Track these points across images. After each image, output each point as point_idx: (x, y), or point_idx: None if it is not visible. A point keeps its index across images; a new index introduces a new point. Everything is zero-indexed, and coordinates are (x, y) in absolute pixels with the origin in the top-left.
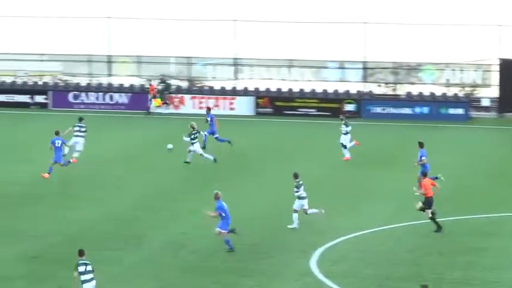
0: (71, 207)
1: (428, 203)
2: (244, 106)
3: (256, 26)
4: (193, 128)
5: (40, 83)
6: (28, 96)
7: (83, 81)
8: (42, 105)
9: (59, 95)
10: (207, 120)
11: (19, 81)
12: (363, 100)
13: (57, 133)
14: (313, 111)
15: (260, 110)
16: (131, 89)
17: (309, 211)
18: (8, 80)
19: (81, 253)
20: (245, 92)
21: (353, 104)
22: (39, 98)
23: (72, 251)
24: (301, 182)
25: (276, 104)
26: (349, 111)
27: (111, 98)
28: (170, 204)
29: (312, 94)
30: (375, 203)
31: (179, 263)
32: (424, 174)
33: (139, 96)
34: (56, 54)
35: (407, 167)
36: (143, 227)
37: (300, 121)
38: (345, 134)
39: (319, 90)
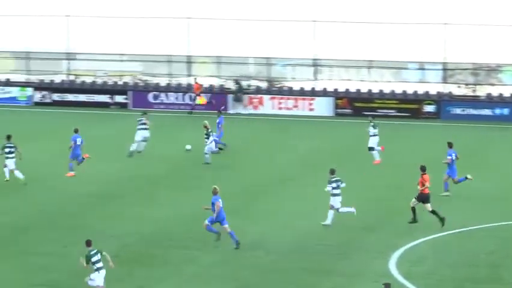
0: (148, 207)
1: (421, 198)
2: (323, 107)
3: (336, 26)
4: (207, 128)
5: (120, 83)
6: (108, 96)
7: (163, 82)
8: (122, 105)
9: (138, 95)
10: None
11: (99, 81)
12: (443, 101)
13: (76, 131)
14: (392, 112)
15: (339, 110)
16: (210, 89)
17: (341, 209)
18: (88, 80)
19: (88, 243)
20: (324, 93)
21: (433, 105)
22: (119, 98)
23: (149, 251)
24: (336, 179)
25: (355, 105)
26: (428, 112)
27: (190, 98)
28: (249, 204)
29: (391, 95)
30: (454, 204)
31: (256, 263)
32: (423, 170)
33: (218, 96)
34: (136, 55)
35: (485, 168)
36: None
37: (380, 122)
38: (372, 136)
39: (398, 91)
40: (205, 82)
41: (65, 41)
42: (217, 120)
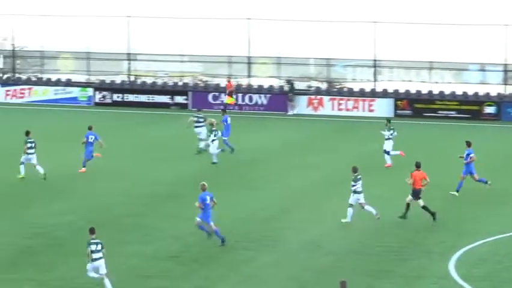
0: None
1: (415, 194)
2: (383, 108)
3: (397, 27)
4: (212, 125)
5: (180, 83)
6: (168, 96)
7: (223, 82)
8: (182, 106)
9: (198, 95)
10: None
11: (159, 81)
12: (504, 103)
13: (90, 128)
14: (453, 114)
15: (399, 112)
16: (270, 90)
17: (366, 207)
18: (149, 80)
19: (92, 231)
20: (384, 94)
21: (493, 106)
22: (179, 99)
23: (209, 251)
24: (359, 177)
25: (415, 106)
26: (489, 114)
27: (250, 99)
28: (308, 205)
29: (452, 96)
30: None
31: (315, 263)
32: (417, 166)
33: (278, 97)
34: (196, 55)
35: None
36: (280, 228)
37: (440, 123)
38: (387, 139)
39: (459, 92)
40: (265, 83)
41: (126, 42)
42: (222, 119)
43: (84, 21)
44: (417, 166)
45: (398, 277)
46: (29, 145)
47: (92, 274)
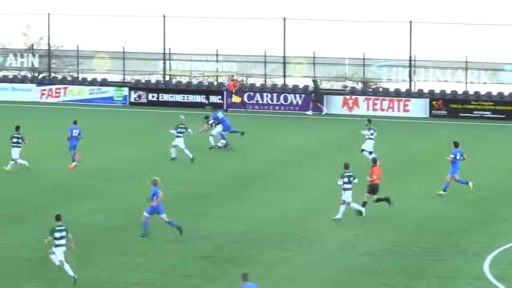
0: (240, 208)
1: (373, 189)
2: (418, 108)
3: (432, 27)
4: (182, 122)
5: (215, 83)
6: (203, 96)
7: (258, 82)
8: (217, 106)
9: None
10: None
11: (195, 81)
12: None
13: (75, 122)
14: (488, 114)
15: (435, 112)
16: (305, 90)
17: (352, 205)
18: (184, 80)
19: (58, 218)
20: (420, 94)
21: None
22: (214, 99)
23: (243, 251)
24: (348, 174)
25: (451, 107)
26: None
27: (285, 98)
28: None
29: (487, 96)
30: None
31: (350, 264)
32: (374, 162)
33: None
34: (231, 55)
35: None
36: (315, 228)
37: (475, 124)
38: (368, 139)
39: (494, 92)
40: (300, 83)
41: (162, 41)
42: (217, 116)
43: (120, 21)
44: (374, 162)
45: (432, 277)
46: (14, 140)
47: (54, 258)
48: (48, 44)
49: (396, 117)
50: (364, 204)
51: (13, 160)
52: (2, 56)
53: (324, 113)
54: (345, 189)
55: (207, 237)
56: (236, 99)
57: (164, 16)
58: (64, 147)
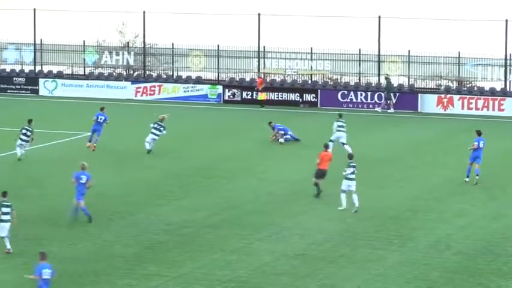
0: (332, 205)
1: (318, 174)
2: None
3: None
4: (161, 121)
5: (309, 81)
6: (297, 94)
7: (352, 80)
8: (312, 104)
9: (327, 93)
10: None
11: (289, 79)
12: None
13: (102, 109)
14: None
15: None
16: (399, 88)
17: (353, 195)
18: (278, 78)
19: (4, 194)
20: None
21: None
22: (308, 97)
23: (336, 249)
24: (352, 164)
25: None
26: None
27: (380, 97)
28: (437, 204)
29: None
30: None
31: (443, 263)
32: (325, 147)
33: (407, 96)
34: (325, 53)
35: None
36: (409, 227)
37: None
38: (338, 131)
39: None
40: (395, 81)
41: (256, 40)
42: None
43: (215, 19)
44: (326, 147)
45: None
46: (23, 131)
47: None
48: (144, 41)
49: (491, 117)
50: (316, 185)
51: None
52: (98, 54)
53: (391, 111)
54: (346, 179)
55: (300, 235)
56: (261, 96)
57: (259, 14)
58: (161, 146)
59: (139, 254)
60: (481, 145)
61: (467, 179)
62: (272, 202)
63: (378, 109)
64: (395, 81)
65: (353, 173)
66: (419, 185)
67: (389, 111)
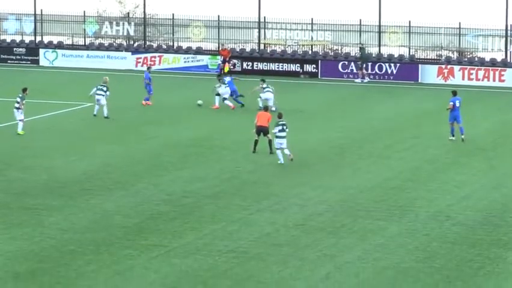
0: (334, 176)
1: (258, 131)
2: None
3: None
4: (105, 82)
5: (310, 52)
6: (298, 65)
7: (353, 51)
8: (312, 75)
9: (328, 64)
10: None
11: (289, 50)
12: None
13: (148, 68)
14: None
15: None
16: (400, 59)
17: (285, 151)
18: (279, 49)
19: None
20: None
21: None
22: (309, 68)
23: (336, 219)
24: (282, 123)
25: None
26: None
27: (380, 68)
28: (437, 175)
29: None
30: None
31: (443, 234)
32: (265, 108)
33: (408, 67)
34: (326, 24)
35: None
36: (408, 198)
37: None
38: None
39: None
40: (395, 52)
41: (256, 10)
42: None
43: None
44: (265, 109)
45: None
46: (18, 99)
47: None
48: (144, 12)
49: (491, 87)
50: (256, 143)
51: (20, 121)
52: (98, 24)
53: (366, 80)
54: (278, 137)
55: (300, 205)
56: (226, 68)
57: None
58: (161, 116)
59: (139, 224)
60: (457, 104)
61: (452, 138)
62: (272, 173)
63: (357, 80)
64: (395, 52)
65: (281, 130)
66: (420, 155)
67: (364, 81)
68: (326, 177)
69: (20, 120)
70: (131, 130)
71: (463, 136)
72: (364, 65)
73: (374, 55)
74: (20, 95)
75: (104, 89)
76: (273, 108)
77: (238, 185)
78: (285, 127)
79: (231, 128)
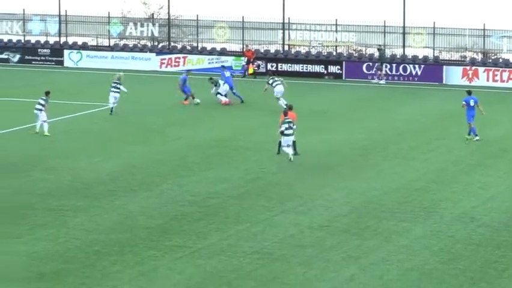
0: (358, 177)
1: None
2: None
3: None
4: (119, 80)
5: (334, 53)
6: (322, 66)
7: (376, 52)
8: (336, 76)
9: (352, 65)
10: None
11: (313, 51)
12: None
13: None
14: None
15: None
16: (424, 61)
17: (289, 148)
18: (303, 50)
19: None
20: None
21: None
22: (333, 69)
23: (361, 221)
24: (288, 120)
25: None
26: None
27: (404, 69)
28: (462, 176)
29: None
30: None
31: (468, 236)
32: (290, 108)
33: (432, 68)
34: (350, 25)
35: None
36: (433, 199)
37: None
38: (276, 86)
39: None
40: (419, 53)
41: (281, 11)
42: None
43: None
44: (289, 108)
45: None
46: (42, 102)
47: None
48: (168, 13)
49: None
50: (280, 144)
51: (43, 122)
52: (123, 25)
53: (383, 82)
54: (285, 135)
55: (324, 207)
56: (251, 69)
57: None
58: (184, 117)
59: (163, 225)
60: (472, 103)
61: (477, 138)
62: (297, 174)
63: (381, 80)
64: (419, 53)
65: (289, 128)
66: (445, 157)
67: (380, 82)
68: (350, 179)
69: (44, 121)
70: (155, 131)
71: (474, 136)
72: (382, 66)
73: (398, 56)
74: (44, 98)
75: (119, 85)
76: (283, 104)
77: (262, 186)
78: (291, 124)
79: (255, 129)
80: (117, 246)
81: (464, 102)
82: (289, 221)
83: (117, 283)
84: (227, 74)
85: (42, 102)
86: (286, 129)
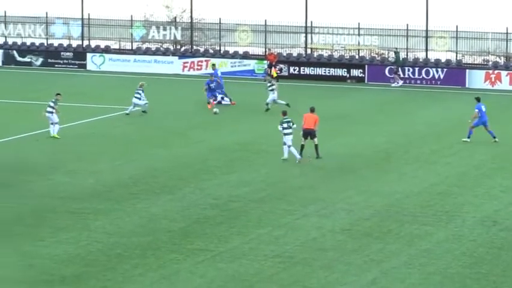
0: (379, 180)
1: (304, 134)
2: None
3: None
4: (141, 86)
5: (357, 57)
6: (345, 70)
7: (400, 56)
8: (359, 80)
9: (375, 69)
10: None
11: (336, 55)
12: None
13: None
14: None
15: None
16: (447, 64)
17: (291, 148)
18: (325, 53)
19: None
20: None
21: None
22: (355, 72)
23: (383, 224)
24: (287, 120)
25: None
26: None
27: (427, 73)
28: (484, 180)
29: None
30: None
31: (490, 240)
32: (311, 110)
33: (455, 71)
34: (373, 29)
35: None
36: (455, 203)
37: None
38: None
39: None
40: (442, 57)
41: (303, 15)
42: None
43: None
44: (311, 110)
45: None
46: (52, 104)
47: None
48: (191, 16)
49: None
50: (302, 147)
51: (55, 123)
52: (145, 29)
53: (399, 84)
54: (285, 134)
55: (346, 210)
56: (274, 72)
57: None
58: (206, 120)
59: (185, 228)
60: (483, 109)
61: (496, 139)
62: (318, 177)
63: (397, 83)
64: (442, 57)
65: (287, 128)
66: (466, 161)
67: (393, 84)
68: (372, 182)
69: (56, 123)
70: (176, 134)
71: (496, 139)
72: (399, 69)
73: (420, 60)
74: (53, 100)
75: (140, 92)
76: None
77: (284, 189)
78: (290, 124)
79: (276, 132)
80: (139, 250)
81: (476, 110)
82: (311, 224)
83: (139, 286)
84: (219, 72)
85: (52, 104)
86: (284, 128)
